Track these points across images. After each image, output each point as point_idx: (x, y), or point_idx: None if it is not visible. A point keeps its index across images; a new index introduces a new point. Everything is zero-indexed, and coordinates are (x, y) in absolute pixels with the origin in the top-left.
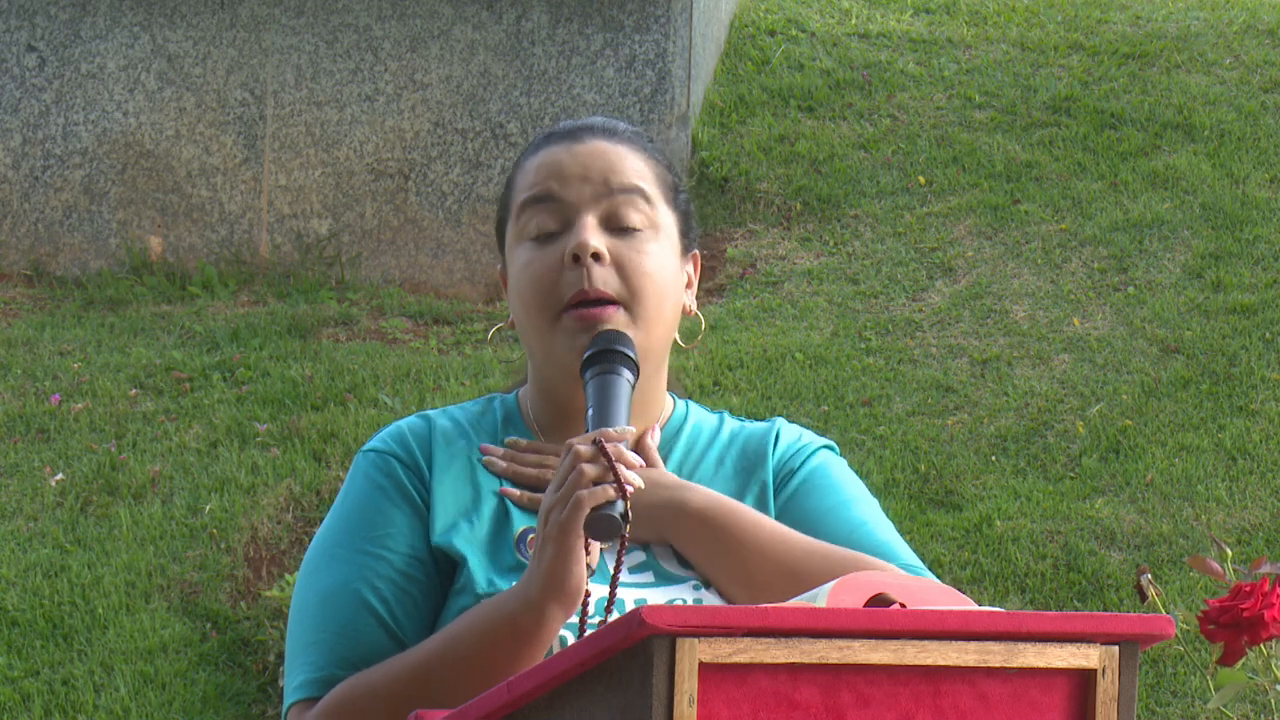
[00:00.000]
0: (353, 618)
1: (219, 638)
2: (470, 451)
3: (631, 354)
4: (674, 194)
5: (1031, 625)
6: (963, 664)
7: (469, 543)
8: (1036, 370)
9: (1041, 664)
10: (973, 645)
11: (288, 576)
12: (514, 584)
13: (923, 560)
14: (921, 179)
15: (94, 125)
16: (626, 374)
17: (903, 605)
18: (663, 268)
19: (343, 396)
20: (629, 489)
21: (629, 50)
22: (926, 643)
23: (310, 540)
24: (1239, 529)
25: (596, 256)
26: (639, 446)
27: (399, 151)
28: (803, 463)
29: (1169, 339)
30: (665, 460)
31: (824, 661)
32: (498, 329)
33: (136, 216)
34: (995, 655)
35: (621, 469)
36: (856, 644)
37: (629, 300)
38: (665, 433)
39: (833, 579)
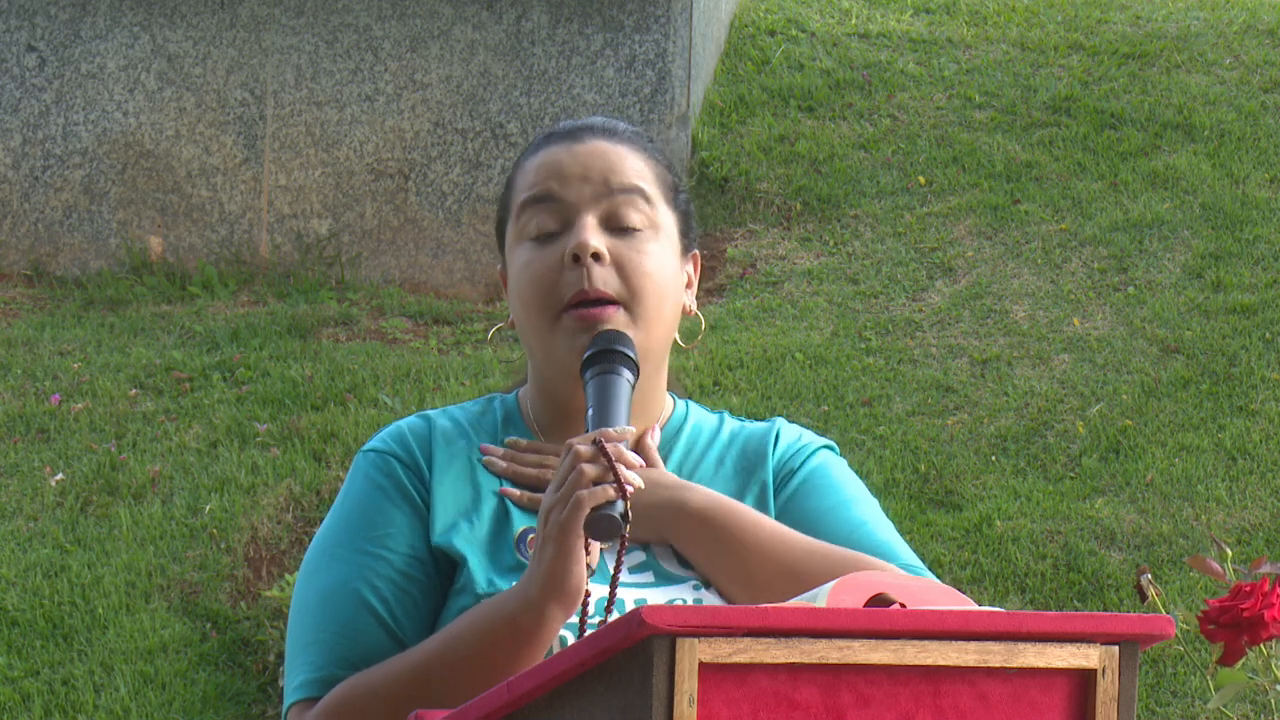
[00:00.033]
0: (352, 617)
1: (219, 638)
2: (470, 451)
3: (631, 354)
4: (674, 194)
5: (1031, 625)
6: (963, 664)
7: (469, 543)
8: (1036, 370)
9: (1041, 664)
10: (973, 645)
11: (288, 576)
12: (514, 584)
13: (923, 560)
14: (921, 179)
15: (94, 125)
16: (626, 374)
17: (903, 605)
18: (663, 268)
19: (343, 396)
20: (629, 489)
21: (629, 50)
22: (926, 643)
23: (310, 540)
24: (1239, 529)
25: (596, 256)
26: (639, 447)
27: (399, 151)
28: (803, 463)
29: (1169, 339)
30: (665, 460)
31: (824, 661)
32: (497, 329)
33: (136, 216)
34: (995, 655)
35: (621, 469)
36: (856, 644)
37: (629, 300)
38: (665, 433)
39: (833, 579)
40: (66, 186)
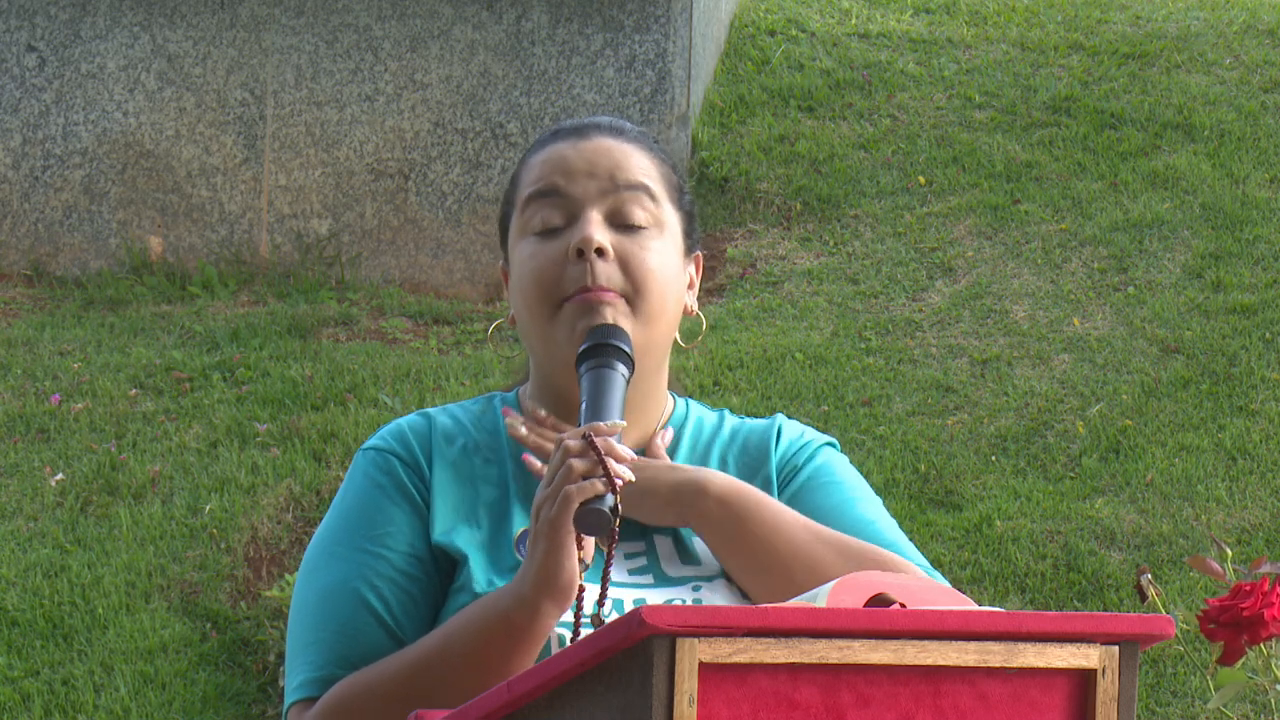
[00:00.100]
0: (352, 616)
1: (219, 638)
2: (471, 450)
3: (626, 348)
4: (679, 194)
5: (1031, 625)
6: (963, 664)
7: (469, 542)
8: (1036, 370)
9: (1041, 664)
10: (973, 645)
11: (288, 576)
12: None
13: None
14: (921, 179)
15: (94, 125)
16: (621, 368)
17: (903, 605)
18: (666, 265)
19: (343, 396)
20: (619, 483)
21: (629, 50)
22: (926, 643)
23: (310, 540)
24: (1239, 529)
25: (600, 252)
26: (650, 450)
27: (399, 151)
28: (807, 460)
29: (1169, 339)
30: (670, 459)
31: (824, 661)
32: (496, 326)
33: (136, 216)
34: (995, 655)
35: (611, 463)
36: (856, 644)
37: (632, 295)
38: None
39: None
40: (66, 186)
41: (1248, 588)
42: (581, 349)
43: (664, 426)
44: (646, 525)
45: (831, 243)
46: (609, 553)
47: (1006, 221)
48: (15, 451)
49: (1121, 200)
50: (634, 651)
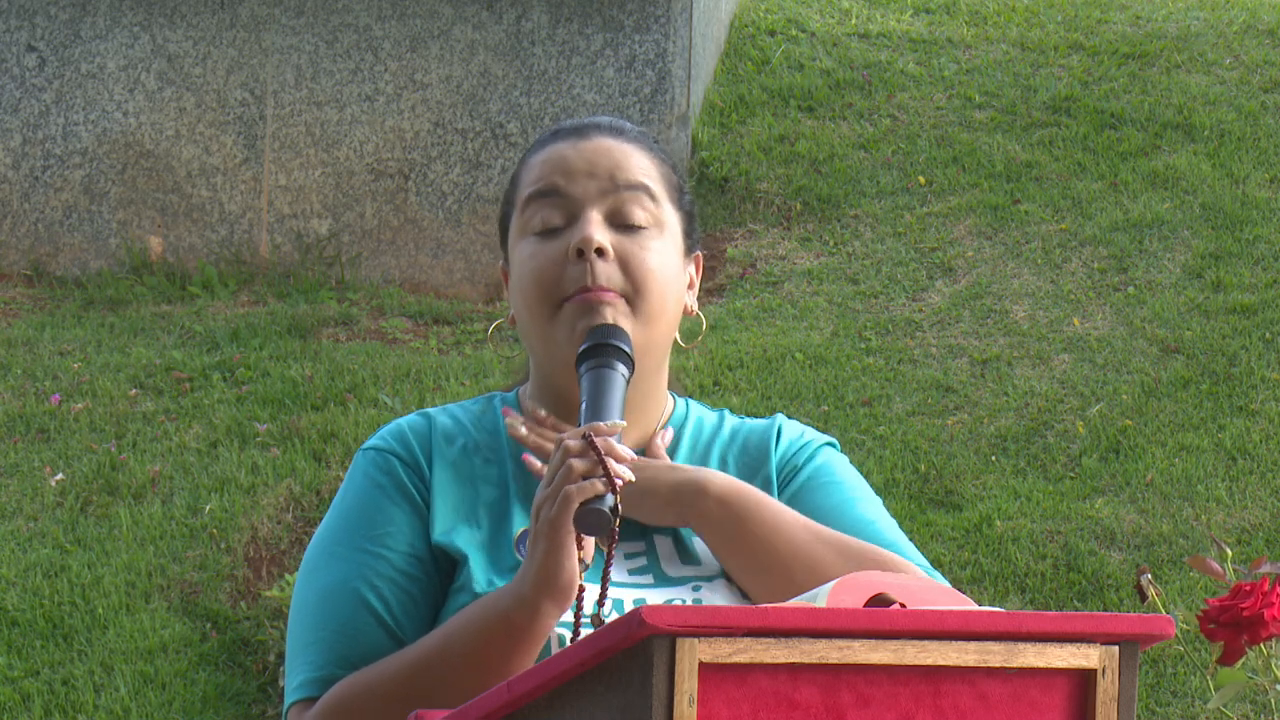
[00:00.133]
0: (352, 616)
1: (219, 638)
2: (471, 450)
3: (626, 348)
4: (679, 194)
5: (1031, 625)
6: (963, 664)
7: (469, 541)
8: (1036, 370)
9: (1041, 664)
10: (973, 645)
11: (288, 576)
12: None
13: None
14: (921, 179)
15: (94, 125)
16: (621, 368)
17: (903, 605)
18: (666, 265)
19: (343, 396)
20: (619, 482)
21: (629, 50)
22: (926, 643)
23: (310, 540)
24: (1239, 529)
25: (600, 252)
26: (650, 450)
27: (399, 151)
28: (807, 460)
29: (1169, 339)
30: (670, 459)
31: (824, 661)
32: (496, 326)
33: (136, 216)
34: (995, 655)
35: (611, 463)
36: (856, 644)
37: (632, 295)
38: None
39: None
40: (66, 186)
41: (1248, 588)
42: (581, 349)
43: (664, 426)
44: (646, 525)
45: (831, 243)
46: (609, 553)
47: (1006, 221)
48: (15, 451)
49: (1121, 200)
50: (634, 651)
